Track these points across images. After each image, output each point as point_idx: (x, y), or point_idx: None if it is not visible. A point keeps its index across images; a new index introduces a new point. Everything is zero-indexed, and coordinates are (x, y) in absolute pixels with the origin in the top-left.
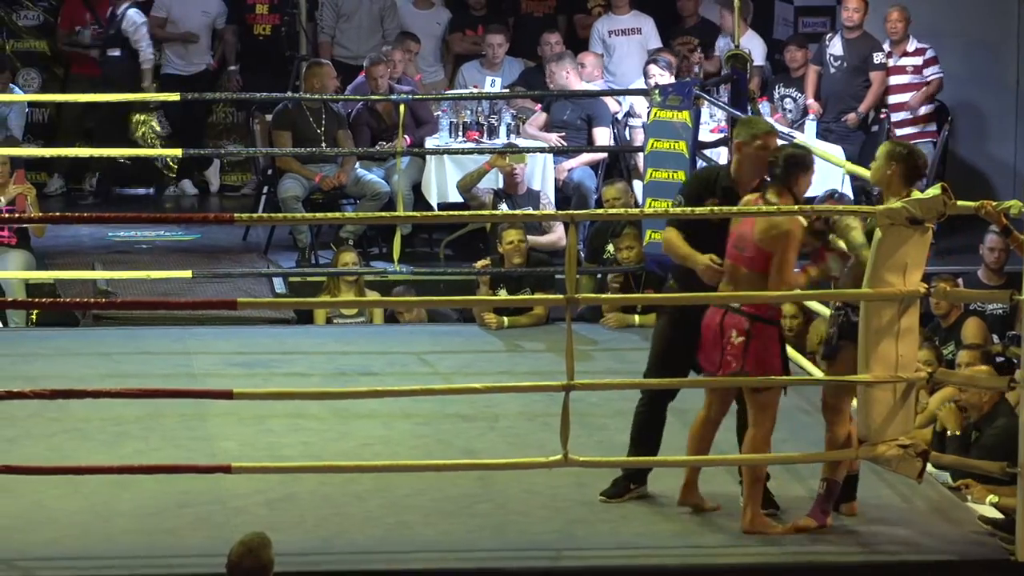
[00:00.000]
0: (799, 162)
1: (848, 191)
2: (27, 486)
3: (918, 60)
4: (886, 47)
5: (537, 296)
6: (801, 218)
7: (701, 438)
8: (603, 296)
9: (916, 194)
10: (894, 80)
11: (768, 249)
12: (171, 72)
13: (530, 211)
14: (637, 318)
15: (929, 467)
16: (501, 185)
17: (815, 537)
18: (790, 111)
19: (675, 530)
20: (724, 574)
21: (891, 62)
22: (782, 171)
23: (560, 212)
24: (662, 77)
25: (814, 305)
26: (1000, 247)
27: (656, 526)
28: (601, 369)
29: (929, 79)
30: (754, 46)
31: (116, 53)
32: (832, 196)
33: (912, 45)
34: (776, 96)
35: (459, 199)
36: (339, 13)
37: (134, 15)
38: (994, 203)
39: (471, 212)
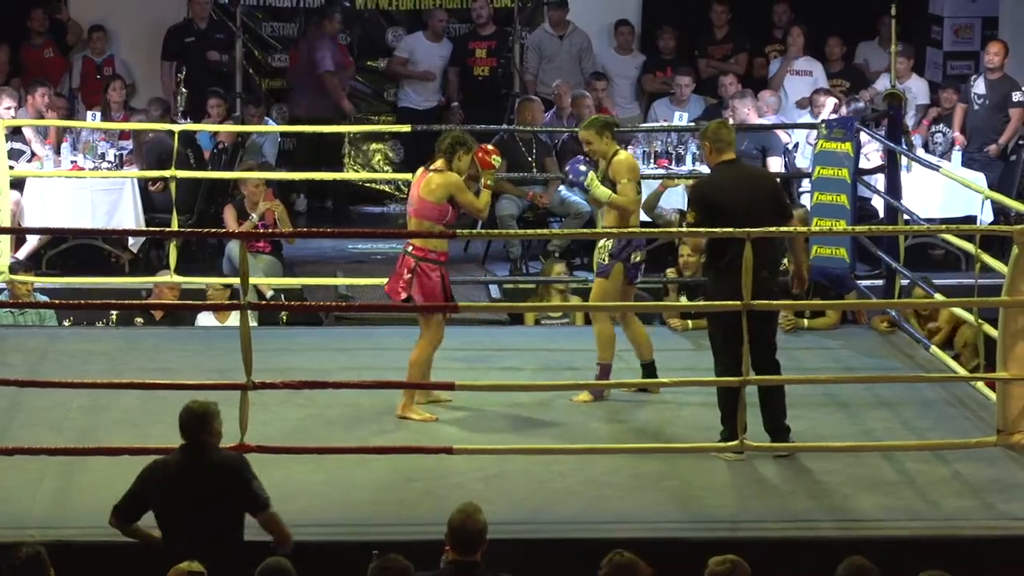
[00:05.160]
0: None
1: (988, 213)
2: (278, 463)
3: None
4: None
5: (716, 303)
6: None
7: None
8: (774, 303)
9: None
10: None
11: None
12: (407, 106)
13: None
14: (806, 322)
15: None
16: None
17: (953, 512)
18: (939, 144)
19: (834, 504)
20: (881, 543)
21: None
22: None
23: (738, 230)
24: (826, 109)
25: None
26: None
27: (820, 500)
28: None
29: None
30: (919, 87)
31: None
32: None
33: None
34: (930, 130)
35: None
36: (542, 55)
37: None
38: None
39: (659, 229)
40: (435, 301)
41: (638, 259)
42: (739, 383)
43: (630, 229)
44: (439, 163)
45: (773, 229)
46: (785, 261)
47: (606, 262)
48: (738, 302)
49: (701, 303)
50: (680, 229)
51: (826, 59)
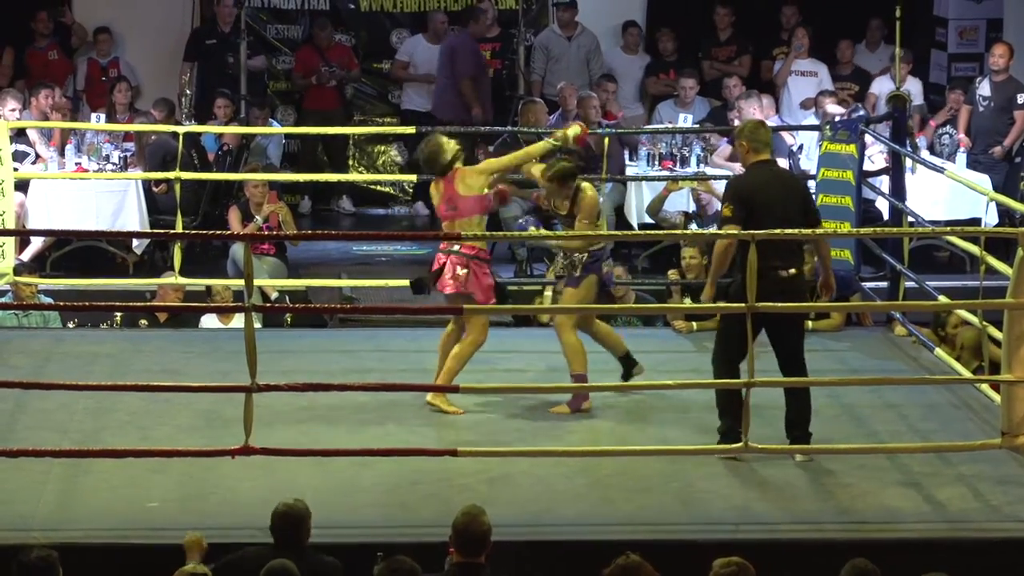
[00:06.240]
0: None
1: (993, 215)
2: (282, 465)
3: None
4: None
5: (720, 304)
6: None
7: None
8: (778, 304)
9: None
10: None
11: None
12: (411, 108)
13: (713, 231)
14: (811, 323)
15: None
16: (693, 208)
17: (958, 514)
18: (946, 146)
19: (839, 506)
20: (886, 545)
21: None
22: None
23: (743, 232)
24: (830, 111)
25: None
26: None
27: (825, 502)
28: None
29: None
30: (915, 89)
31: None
32: None
33: None
34: (936, 132)
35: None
36: (549, 56)
37: None
38: None
39: (664, 232)
40: (490, 299)
41: (606, 269)
42: (743, 385)
43: (633, 232)
44: (459, 169)
45: (777, 231)
46: None
47: (577, 273)
48: (742, 304)
49: (707, 304)
50: (683, 231)
51: (837, 61)
